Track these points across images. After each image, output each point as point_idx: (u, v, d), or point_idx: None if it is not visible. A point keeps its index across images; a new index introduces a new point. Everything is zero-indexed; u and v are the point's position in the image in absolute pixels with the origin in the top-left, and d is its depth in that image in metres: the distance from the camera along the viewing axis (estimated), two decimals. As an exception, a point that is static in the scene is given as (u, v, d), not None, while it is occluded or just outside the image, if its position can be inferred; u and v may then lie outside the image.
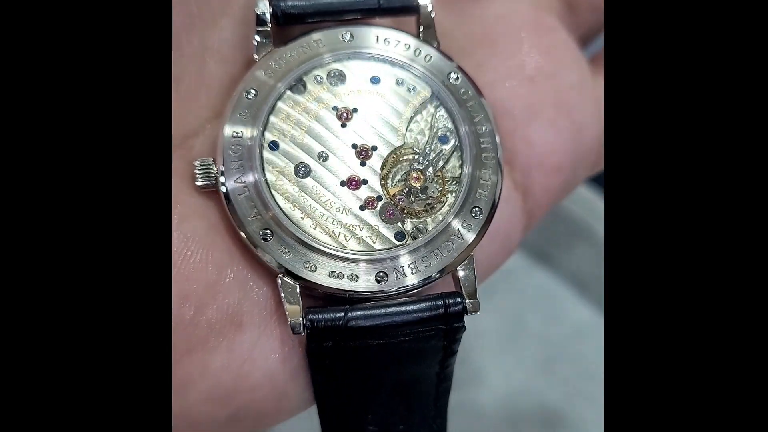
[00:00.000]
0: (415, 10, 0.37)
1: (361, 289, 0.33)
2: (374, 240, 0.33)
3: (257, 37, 0.35)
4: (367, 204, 0.34)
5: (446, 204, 0.34)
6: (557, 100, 0.38)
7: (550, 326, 0.66)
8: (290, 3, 0.35)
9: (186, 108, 0.34)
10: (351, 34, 0.36)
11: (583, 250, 0.65)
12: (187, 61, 0.34)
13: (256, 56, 0.35)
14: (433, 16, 0.37)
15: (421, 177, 0.35)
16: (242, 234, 0.33)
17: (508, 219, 0.37)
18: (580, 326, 0.65)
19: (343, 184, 0.34)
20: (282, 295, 0.32)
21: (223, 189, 0.33)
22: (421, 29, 0.37)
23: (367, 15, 0.36)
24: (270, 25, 0.35)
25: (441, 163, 0.35)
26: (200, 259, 0.32)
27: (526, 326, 0.65)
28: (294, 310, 0.32)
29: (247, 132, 0.34)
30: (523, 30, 0.39)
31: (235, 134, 0.33)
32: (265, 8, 0.35)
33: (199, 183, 0.33)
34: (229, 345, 0.32)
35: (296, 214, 0.33)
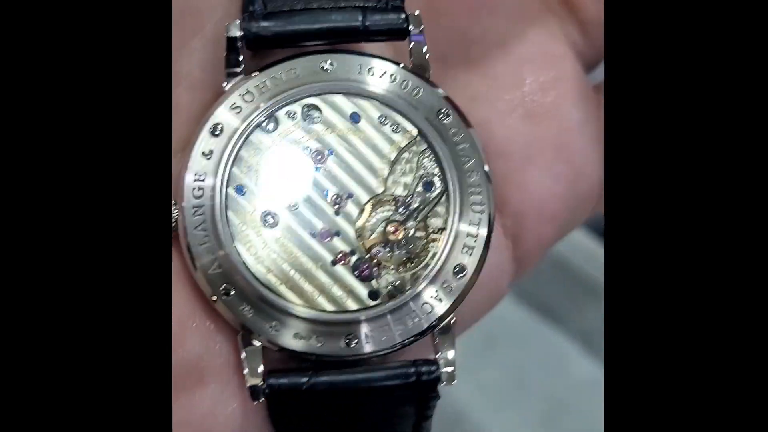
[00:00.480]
0: (403, 34, 0.33)
1: (328, 353, 0.30)
2: (345, 299, 0.31)
3: (227, 65, 0.32)
4: (340, 259, 0.31)
5: (427, 260, 0.31)
6: (557, 143, 0.35)
7: (554, 381, 0.64)
8: (263, 25, 0.32)
9: None
10: (331, 63, 0.32)
11: (589, 306, 0.62)
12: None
13: (225, 85, 0.32)
14: (425, 45, 0.33)
15: (401, 229, 0.32)
16: (201, 288, 0.30)
17: (495, 267, 0.34)
18: (584, 382, 0.63)
19: (314, 235, 0.31)
20: (242, 356, 0.30)
21: (182, 242, 0.30)
22: (411, 56, 0.33)
23: (350, 39, 0.33)
24: (242, 51, 0.32)
25: (424, 214, 0.32)
26: None
27: (529, 381, 0.63)
28: (253, 373, 0.30)
29: (211, 175, 0.31)
30: (527, 59, 0.35)
31: (197, 177, 0.31)
32: (236, 32, 0.31)
33: None
34: (189, 399, 0.30)
35: (260, 269, 0.31)
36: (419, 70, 0.33)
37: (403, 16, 0.32)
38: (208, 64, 0.32)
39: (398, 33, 0.32)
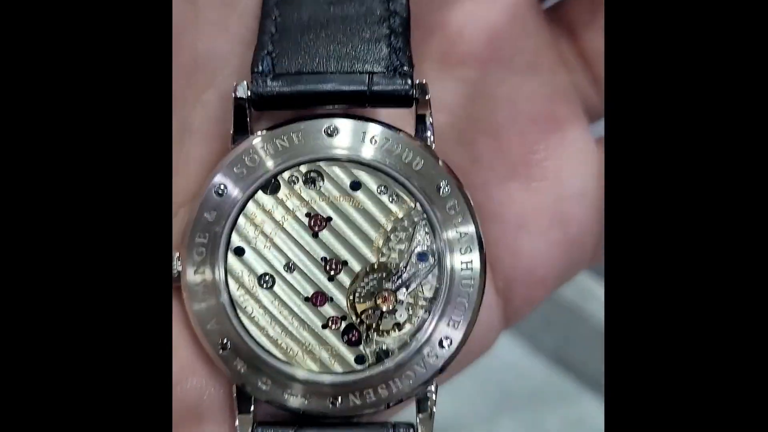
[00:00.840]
0: (409, 102, 0.32)
1: (314, 410, 0.33)
2: (333, 362, 0.33)
3: (234, 124, 0.32)
4: (331, 323, 0.33)
5: (415, 328, 0.33)
6: (554, 211, 0.34)
7: (570, 430, 0.64)
8: (270, 87, 0.32)
9: None
10: (335, 128, 0.32)
11: (602, 353, 0.62)
12: None
13: (231, 143, 0.33)
14: (429, 110, 0.32)
15: (392, 298, 0.33)
16: (200, 341, 0.32)
17: (485, 324, 0.35)
18: (600, 429, 0.63)
19: (307, 299, 0.33)
20: (235, 405, 0.33)
21: (184, 294, 0.32)
22: (416, 123, 0.33)
23: (354, 104, 0.32)
24: (248, 111, 0.32)
25: (415, 285, 0.33)
26: None
27: (545, 430, 0.63)
28: (243, 423, 0.32)
29: (212, 235, 0.32)
30: (534, 119, 0.34)
31: (200, 236, 0.32)
32: (243, 93, 0.32)
33: None
34: None
35: (255, 329, 0.32)
36: (421, 138, 0.33)
37: (408, 83, 0.32)
38: (220, 117, 0.33)
39: (403, 101, 0.32)
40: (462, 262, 0.32)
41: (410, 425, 0.33)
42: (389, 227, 0.33)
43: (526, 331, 0.67)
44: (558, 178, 0.35)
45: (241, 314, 0.32)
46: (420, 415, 0.33)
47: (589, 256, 0.36)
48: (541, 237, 0.34)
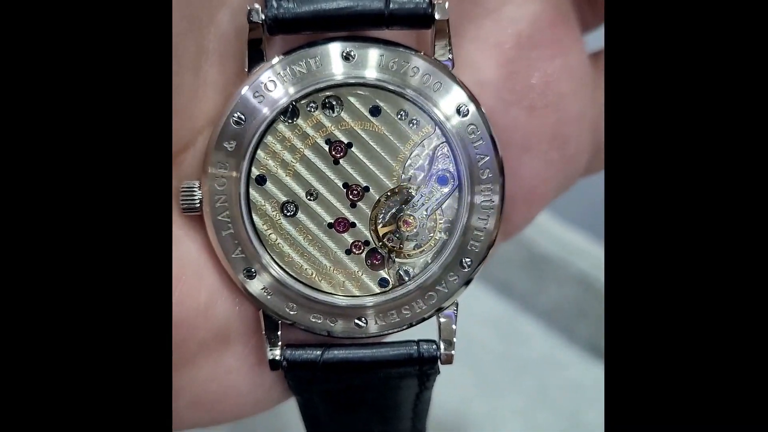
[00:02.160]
0: (428, 22, 0.31)
1: (339, 333, 0.34)
2: (356, 285, 0.33)
3: (249, 50, 0.32)
4: (354, 248, 0.33)
5: (435, 250, 0.33)
6: (554, 133, 0.35)
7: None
8: (284, 8, 0.31)
9: (179, 122, 0.32)
10: (352, 52, 0.32)
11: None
12: (184, 70, 0.31)
13: (246, 69, 0.32)
14: (448, 31, 0.32)
15: (413, 221, 0.33)
16: (226, 269, 0.33)
17: None
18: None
19: (330, 226, 0.33)
20: (263, 330, 0.34)
21: (207, 223, 0.33)
22: (435, 45, 0.32)
23: (372, 27, 0.32)
24: (263, 35, 0.31)
25: (435, 208, 0.33)
26: (193, 284, 0.33)
27: (584, 422, 0.61)
28: (272, 347, 0.34)
29: (233, 165, 0.32)
30: (538, 44, 0.34)
31: (220, 165, 0.32)
32: (257, 17, 0.31)
33: (183, 208, 0.33)
34: (216, 358, 0.34)
35: (281, 255, 0.33)
36: (441, 61, 0.32)
37: (427, 1, 0.31)
38: (235, 34, 0.32)
39: (422, 20, 0.31)
40: (482, 183, 0.33)
41: (433, 342, 0.34)
42: (408, 152, 0.33)
43: (560, 323, 0.67)
44: (559, 103, 0.35)
45: (265, 242, 0.33)
46: (442, 333, 0.34)
47: (582, 171, 0.38)
48: (541, 158, 0.35)
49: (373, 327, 0.34)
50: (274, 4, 0.31)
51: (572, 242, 0.68)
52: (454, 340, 0.34)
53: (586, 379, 0.64)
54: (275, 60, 0.32)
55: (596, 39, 0.37)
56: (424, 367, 0.34)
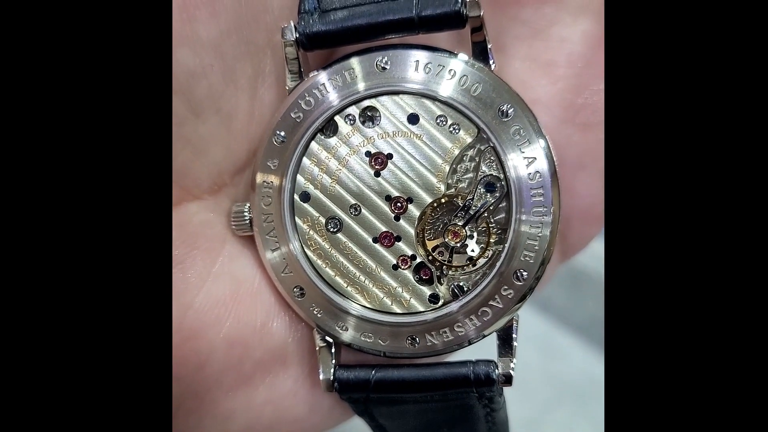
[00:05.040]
0: (461, 21, 0.30)
1: (392, 351, 0.32)
2: (408, 302, 0.32)
3: (287, 67, 0.32)
4: (401, 263, 0.32)
5: (488, 264, 0.31)
6: None
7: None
8: (317, 27, 0.31)
9: (237, 143, 0.33)
10: (387, 60, 0.31)
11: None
12: (241, 92, 0.32)
13: (287, 86, 0.32)
14: (485, 30, 0.30)
15: (461, 233, 0.31)
16: (278, 288, 0.33)
17: None
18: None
19: (375, 240, 0.32)
20: (317, 349, 0.33)
21: (257, 243, 0.32)
22: (472, 44, 0.31)
23: (404, 33, 0.31)
24: (300, 53, 0.31)
25: (485, 216, 0.31)
26: (249, 303, 0.33)
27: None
28: (325, 368, 0.33)
29: (276, 183, 0.32)
30: (588, 62, 0.32)
31: (266, 184, 0.32)
32: (291, 35, 0.31)
33: (235, 229, 0.33)
34: (273, 381, 0.34)
35: (328, 273, 0.32)
36: (480, 60, 0.31)
37: (459, 2, 0.30)
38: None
39: (455, 21, 0.30)
40: (532, 189, 0.31)
41: (491, 362, 0.32)
42: (452, 159, 0.31)
43: (599, 337, 0.65)
44: None
45: (312, 260, 0.32)
46: (502, 351, 0.32)
47: None
48: (597, 176, 0.33)
49: (425, 346, 0.32)
50: (307, 20, 0.31)
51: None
52: (513, 361, 0.32)
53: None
54: (312, 76, 0.32)
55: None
56: (481, 388, 0.32)
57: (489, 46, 0.31)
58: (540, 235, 0.31)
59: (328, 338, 0.33)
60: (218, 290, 0.32)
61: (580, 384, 0.62)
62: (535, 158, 0.30)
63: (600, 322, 0.65)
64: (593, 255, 0.65)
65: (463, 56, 0.31)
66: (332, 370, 0.33)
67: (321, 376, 0.33)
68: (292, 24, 0.31)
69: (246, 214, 0.32)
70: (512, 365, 0.32)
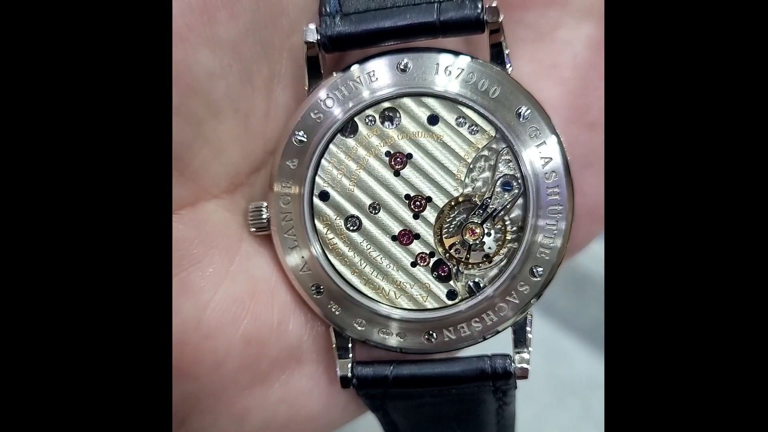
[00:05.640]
0: (480, 26, 0.31)
1: (410, 347, 0.33)
2: (425, 298, 0.33)
3: (308, 68, 0.32)
4: (419, 260, 0.33)
5: (504, 261, 0.32)
6: None
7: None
8: (339, 28, 0.32)
9: (253, 143, 0.33)
10: (408, 63, 0.32)
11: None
12: (257, 93, 0.33)
13: (306, 87, 0.33)
14: (503, 35, 0.32)
15: (479, 230, 0.32)
16: (294, 286, 0.33)
17: None
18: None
19: (394, 238, 0.33)
20: (333, 346, 0.33)
21: (275, 241, 0.33)
22: (490, 50, 0.32)
23: (425, 36, 0.32)
24: (320, 55, 0.32)
25: (501, 215, 0.32)
26: (265, 301, 0.33)
27: None
28: (343, 364, 0.33)
29: (296, 182, 0.32)
30: (592, 64, 0.33)
31: (284, 183, 0.33)
32: (312, 37, 0.32)
33: (252, 229, 0.33)
34: (288, 379, 0.34)
35: (346, 271, 0.33)
36: (498, 64, 0.32)
37: (479, 7, 0.31)
38: (303, 62, 0.33)
39: (474, 26, 0.31)
40: (548, 188, 0.32)
41: (507, 356, 0.33)
42: (471, 159, 0.32)
43: (600, 341, 0.66)
44: None
45: (331, 258, 0.33)
46: (517, 346, 0.33)
47: None
48: (602, 176, 0.34)
49: (443, 341, 0.33)
50: (328, 22, 0.32)
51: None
52: (529, 352, 0.32)
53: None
54: (332, 77, 0.32)
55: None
56: (497, 382, 0.33)
57: (507, 51, 0.32)
58: (555, 232, 0.32)
59: (345, 335, 0.33)
60: (236, 289, 0.33)
61: (582, 387, 0.63)
62: (551, 158, 0.32)
63: (602, 326, 0.66)
64: (597, 258, 0.67)
65: (481, 60, 0.32)
66: (350, 367, 0.33)
67: (339, 373, 0.33)
68: (314, 26, 0.32)
69: (264, 213, 0.33)
70: (527, 359, 0.32)
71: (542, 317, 0.68)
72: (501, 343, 0.33)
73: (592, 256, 0.67)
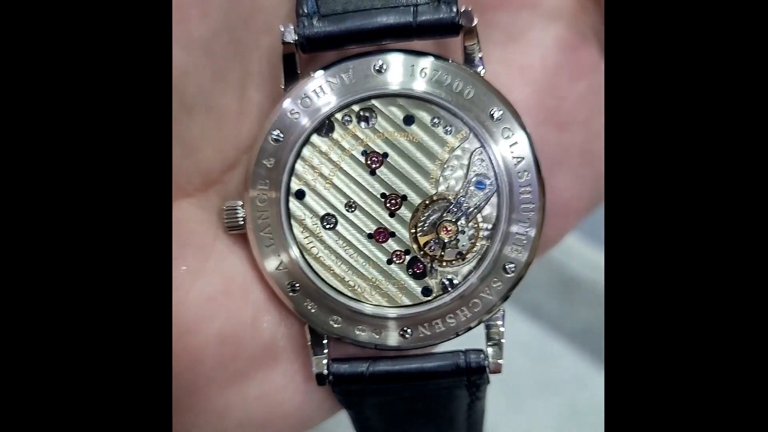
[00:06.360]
0: (455, 29, 0.32)
1: (384, 345, 0.33)
2: (400, 295, 0.33)
3: (285, 68, 0.33)
4: (395, 258, 0.33)
5: (477, 257, 0.33)
6: (584, 149, 0.36)
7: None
8: (317, 28, 0.32)
9: (227, 141, 0.33)
10: (383, 64, 0.32)
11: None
12: (230, 92, 0.33)
13: (283, 87, 0.33)
14: (477, 38, 0.32)
15: (453, 228, 0.33)
16: (270, 285, 0.33)
17: None
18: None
19: (370, 236, 0.33)
20: (309, 344, 0.33)
21: (251, 239, 0.33)
22: (465, 53, 0.33)
23: (402, 38, 0.32)
24: (297, 54, 0.32)
25: (475, 212, 0.33)
26: (239, 300, 0.33)
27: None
28: (318, 362, 0.33)
29: (273, 181, 0.33)
30: (564, 65, 0.35)
31: (261, 182, 0.33)
32: (290, 37, 0.32)
33: (228, 227, 0.33)
34: (265, 376, 0.34)
35: (322, 269, 0.33)
36: (471, 66, 0.33)
37: (454, 11, 0.32)
38: (277, 59, 0.33)
39: (450, 29, 0.32)
40: (520, 186, 0.33)
41: (480, 351, 0.33)
42: (445, 158, 0.33)
43: (591, 345, 0.67)
44: (586, 121, 0.36)
45: (307, 256, 0.33)
46: (490, 341, 0.34)
47: None
48: (573, 173, 0.36)
49: (418, 338, 0.33)
50: (306, 23, 0.32)
51: (602, 265, 0.68)
52: (502, 340, 0.33)
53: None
54: (309, 77, 0.33)
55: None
56: (472, 377, 0.33)
57: (480, 54, 0.33)
58: (528, 229, 0.33)
59: (320, 333, 0.33)
60: (210, 287, 0.33)
61: (570, 389, 0.64)
62: (523, 157, 0.33)
63: (592, 329, 0.67)
64: (584, 262, 0.68)
65: (455, 62, 0.33)
66: (325, 364, 0.33)
67: (314, 370, 0.33)
68: (292, 26, 0.32)
69: (239, 211, 0.33)
70: (501, 353, 0.33)
71: (530, 320, 0.69)
72: (476, 339, 0.34)
73: (582, 261, 0.69)
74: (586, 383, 0.65)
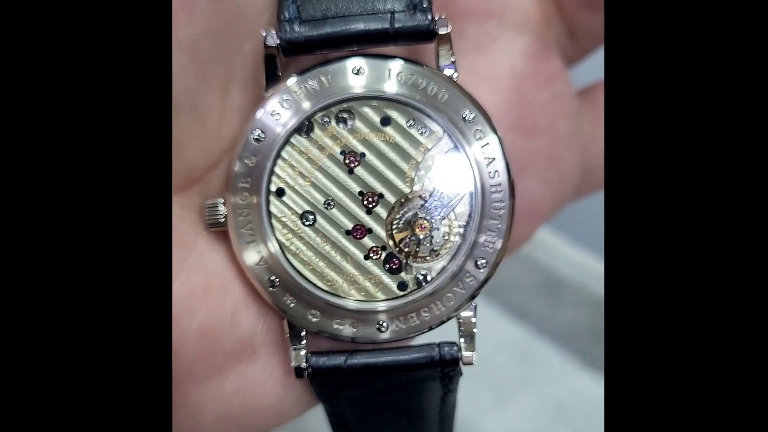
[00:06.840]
0: (430, 36, 0.34)
1: (361, 338, 0.34)
2: (376, 290, 0.34)
3: (266, 71, 0.34)
4: (372, 254, 0.34)
5: (450, 253, 0.34)
6: (549, 153, 0.38)
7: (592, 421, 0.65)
8: (298, 32, 0.34)
9: (210, 141, 0.34)
10: (361, 68, 0.34)
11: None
12: (213, 93, 0.34)
13: (265, 88, 0.34)
14: (450, 44, 0.34)
15: (427, 225, 0.34)
16: (250, 280, 0.34)
17: None
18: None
19: (348, 233, 0.34)
20: (287, 339, 0.35)
21: (231, 236, 0.34)
22: (438, 58, 0.34)
23: (380, 43, 0.34)
24: (279, 58, 0.34)
25: (448, 211, 0.34)
26: (219, 295, 0.34)
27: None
28: (296, 355, 0.34)
29: (254, 179, 0.34)
30: (528, 75, 0.37)
31: (242, 180, 0.34)
32: (272, 41, 0.33)
33: (209, 224, 0.34)
34: (243, 371, 0.35)
35: (301, 265, 0.34)
36: (446, 65, 0.34)
37: (429, 18, 0.33)
38: (259, 62, 0.34)
39: (425, 35, 0.34)
40: (492, 185, 0.34)
41: (453, 344, 0.35)
42: (420, 158, 0.34)
43: (577, 345, 0.69)
44: (551, 127, 0.38)
45: (286, 252, 0.34)
46: (462, 334, 0.35)
47: (574, 190, 0.41)
48: (538, 176, 0.38)
49: (393, 331, 0.34)
50: (288, 27, 0.33)
51: (587, 266, 0.69)
52: (474, 333, 0.35)
53: (602, 400, 0.65)
54: (291, 79, 0.34)
55: (578, 76, 0.41)
56: (446, 369, 0.35)
57: (453, 59, 0.34)
58: (498, 226, 0.34)
59: (298, 327, 0.35)
60: (191, 283, 0.33)
61: (557, 391, 0.65)
62: (494, 158, 0.34)
63: (578, 330, 0.68)
64: (570, 263, 0.69)
65: (429, 67, 0.34)
66: (303, 358, 0.34)
67: (292, 364, 0.34)
68: (273, 31, 0.33)
69: (220, 209, 0.34)
70: (473, 346, 0.35)
71: (517, 321, 0.70)
72: (449, 333, 0.35)
73: (567, 262, 0.70)
74: (572, 383, 0.66)
